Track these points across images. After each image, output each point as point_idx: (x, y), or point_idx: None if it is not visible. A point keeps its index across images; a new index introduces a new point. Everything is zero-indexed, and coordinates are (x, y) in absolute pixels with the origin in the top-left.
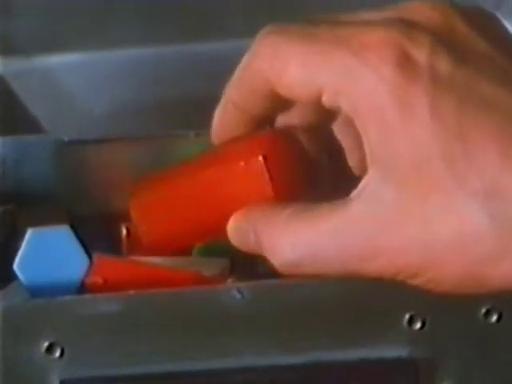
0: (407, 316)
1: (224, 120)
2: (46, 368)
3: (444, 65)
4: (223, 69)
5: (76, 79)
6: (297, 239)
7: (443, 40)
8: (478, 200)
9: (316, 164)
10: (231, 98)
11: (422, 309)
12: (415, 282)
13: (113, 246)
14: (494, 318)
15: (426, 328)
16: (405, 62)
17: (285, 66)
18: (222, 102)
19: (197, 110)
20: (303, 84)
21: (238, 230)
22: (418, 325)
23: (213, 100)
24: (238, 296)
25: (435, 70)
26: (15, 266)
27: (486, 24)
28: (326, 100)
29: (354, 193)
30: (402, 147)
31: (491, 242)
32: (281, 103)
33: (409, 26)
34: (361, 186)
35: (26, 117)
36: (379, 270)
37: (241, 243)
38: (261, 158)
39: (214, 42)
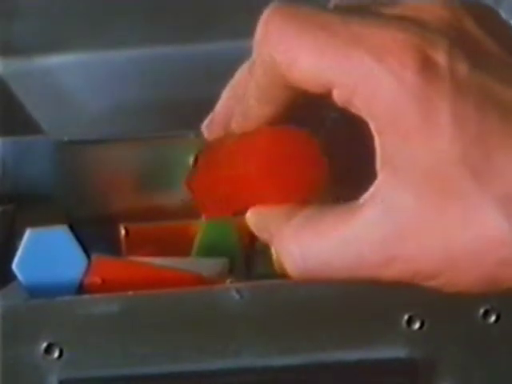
0: (406, 316)
1: (245, 112)
2: (45, 368)
3: (462, 68)
4: (223, 69)
5: (76, 80)
6: (308, 249)
7: (458, 42)
8: (498, 205)
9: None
10: (251, 92)
11: (421, 309)
12: (430, 284)
13: (111, 246)
14: (493, 318)
15: (424, 328)
16: (426, 67)
17: (296, 57)
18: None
19: (197, 110)
20: (315, 77)
21: (253, 224)
22: (417, 325)
23: (213, 100)
24: (237, 296)
25: (454, 73)
26: (14, 266)
27: (492, 22)
28: (338, 96)
29: (364, 197)
30: (421, 153)
31: (510, 247)
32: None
33: (424, 27)
34: (371, 190)
35: (25, 117)
36: (395, 275)
37: (257, 234)
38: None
39: (213, 42)
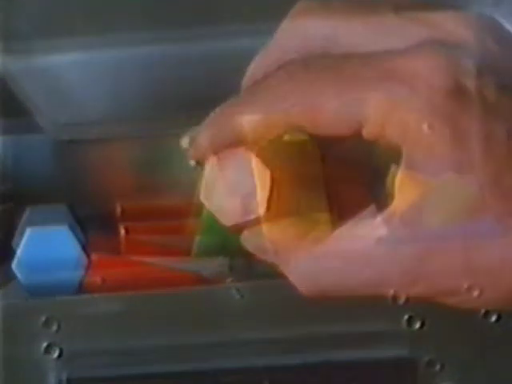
0: (406, 316)
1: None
2: (45, 368)
3: (491, 92)
4: (223, 68)
5: (76, 78)
6: (323, 267)
7: (484, 64)
8: None
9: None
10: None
11: (421, 309)
12: (449, 301)
13: (111, 245)
14: (494, 318)
15: (425, 328)
16: (456, 91)
17: (319, 107)
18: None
19: (196, 108)
20: (342, 121)
21: (254, 244)
22: (418, 325)
23: (212, 99)
24: (238, 296)
25: (484, 97)
26: (14, 266)
27: (500, 34)
28: (369, 132)
29: (384, 216)
30: (451, 176)
31: None
32: None
33: (450, 49)
34: (391, 209)
35: (25, 116)
36: (416, 294)
37: (260, 254)
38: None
39: (215, 40)
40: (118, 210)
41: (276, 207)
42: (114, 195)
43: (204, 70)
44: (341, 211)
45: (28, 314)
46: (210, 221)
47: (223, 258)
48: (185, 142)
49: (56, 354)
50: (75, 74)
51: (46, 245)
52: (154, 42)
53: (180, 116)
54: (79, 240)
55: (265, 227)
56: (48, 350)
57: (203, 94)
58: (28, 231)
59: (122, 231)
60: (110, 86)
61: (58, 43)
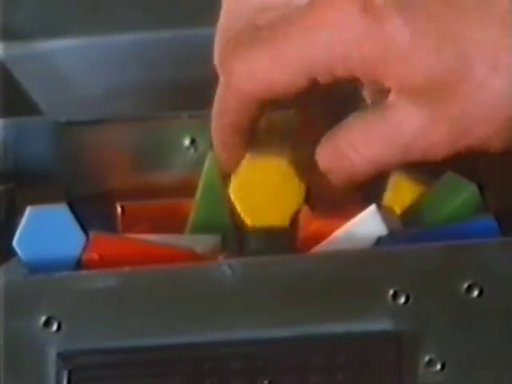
0: (391, 291)
1: None
2: (44, 341)
3: None
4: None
5: (74, 63)
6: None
7: None
8: None
9: None
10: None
11: (406, 284)
12: None
13: (108, 223)
14: (476, 293)
15: (409, 302)
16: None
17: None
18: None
19: (190, 92)
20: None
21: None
22: (402, 299)
23: (205, 83)
24: (229, 272)
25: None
26: (14, 243)
27: None
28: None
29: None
30: None
31: None
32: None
33: None
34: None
35: (25, 99)
36: None
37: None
38: None
39: (210, 26)
40: (115, 189)
41: None
42: (111, 175)
43: (200, 55)
44: (340, 210)
45: (28, 289)
46: (203, 199)
47: (216, 236)
48: None
49: (55, 328)
50: (75, 58)
51: (46, 223)
52: (151, 28)
53: (175, 99)
54: (77, 218)
55: None
56: (47, 323)
57: (199, 78)
58: (28, 210)
59: (119, 210)
60: (109, 71)
61: (57, 29)
